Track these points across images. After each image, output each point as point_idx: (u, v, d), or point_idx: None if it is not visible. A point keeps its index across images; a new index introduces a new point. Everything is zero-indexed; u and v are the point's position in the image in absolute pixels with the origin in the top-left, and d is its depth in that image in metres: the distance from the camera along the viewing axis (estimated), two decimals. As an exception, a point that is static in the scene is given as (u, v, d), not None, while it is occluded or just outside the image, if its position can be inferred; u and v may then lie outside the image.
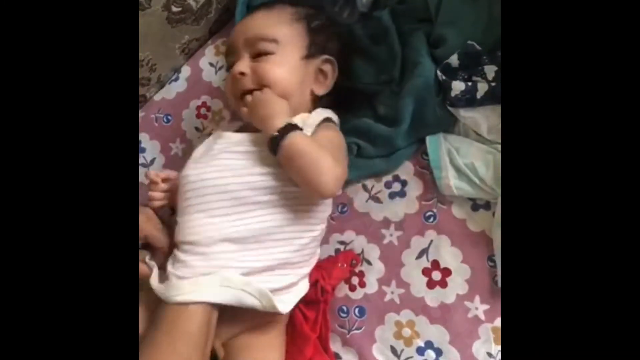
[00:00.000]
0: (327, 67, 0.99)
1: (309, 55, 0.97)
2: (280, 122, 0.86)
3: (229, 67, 0.99)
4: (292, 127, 0.86)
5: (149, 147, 1.17)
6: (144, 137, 1.18)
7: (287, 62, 0.96)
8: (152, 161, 1.16)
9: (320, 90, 0.99)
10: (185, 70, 1.20)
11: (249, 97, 0.93)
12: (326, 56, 0.99)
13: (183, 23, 1.12)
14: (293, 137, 0.85)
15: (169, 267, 0.87)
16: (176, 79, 1.20)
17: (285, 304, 0.88)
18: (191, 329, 0.81)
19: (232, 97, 0.97)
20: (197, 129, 1.15)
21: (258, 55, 0.95)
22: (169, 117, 1.18)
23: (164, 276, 0.87)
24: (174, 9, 1.07)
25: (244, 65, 0.94)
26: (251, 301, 0.84)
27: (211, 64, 1.19)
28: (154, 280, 0.88)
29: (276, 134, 0.85)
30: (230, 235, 0.86)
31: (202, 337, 0.82)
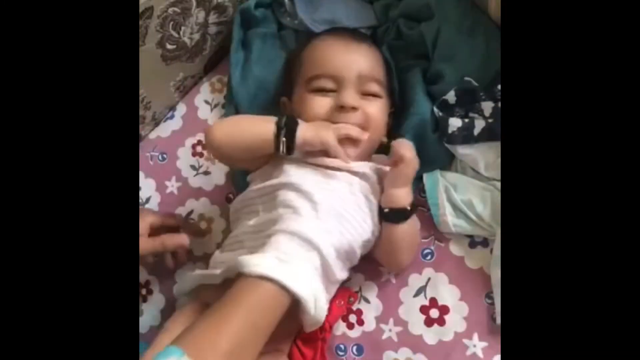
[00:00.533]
0: (389, 121, 1.01)
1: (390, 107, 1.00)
2: (407, 195, 0.91)
3: (318, 90, 0.95)
4: (415, 209, 0.92)
5: (145, 185, 1.16)
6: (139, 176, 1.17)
7: (386, 109, 0.99)
8: (148, 199, 1.15)
9: (381, 138, 0.99)
10: (181, 108, 1.20)
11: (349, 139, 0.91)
12: (393, 109, 1.02)
13: (178, 60, 1.12)
14: (410, 222, 0.90)
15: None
16: (171, 117, 1.20)
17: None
18: (267, 308, 0.75)
19: (321, 121, 0.93)
20: (192, 167, 1.15)
21: (364, 94, 0.95)
22: (165, 156, 1.17)
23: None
24: (169, 46, 1.07)
25: (355, 99, 0.93)
26: (310, 307, 0.78)
27: (206, 102, 1.19)
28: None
29: (400, 208, 0.90)
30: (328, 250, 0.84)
31: (272, 323, 0.75)
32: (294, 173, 0.90)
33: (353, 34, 1.02)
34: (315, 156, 0.91)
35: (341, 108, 0.92)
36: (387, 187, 0.91)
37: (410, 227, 0.91)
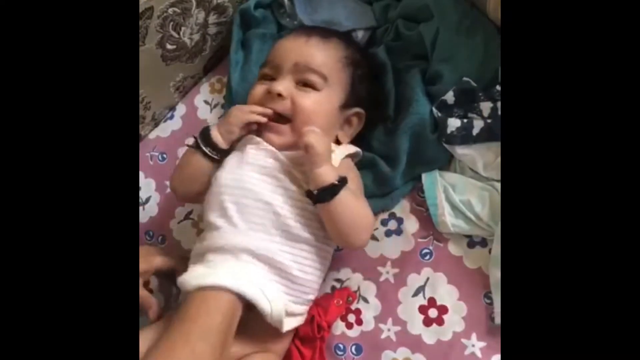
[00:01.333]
0: (355, 120, 1.00)
1: (346, 105, 0.98)
2: (330, 172, 0.87)
3: (262, 77, 0.99)
4: (343, 182, 0.87)
5: (144, 185, 1.16)
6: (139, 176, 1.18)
7: (327, 104, 0.96)
8: (148, 199, 1.15)
9: (344, 139, 0.99)
10: (180, 108, 1.21)
11: (276, 124, 0.94)
12: (359, 109, 1.00)
13: (177, 61, 1.12)
14: (344, 195, 0.87)
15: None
16: (171, 117, 1.21)
17: (289, 324, 0.89)
18: (213, 311, 0.80)
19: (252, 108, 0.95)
20: (192, 166, 1.15)
21: (302, 84, 0.95)
22: (164, 156, 1.17)
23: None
24: (169, 46, 1.07)
25: (284, 87, 0.94)
26: (264, 304, 0.84)
27: (206, 102, 1.19)
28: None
29: (327, 185, 0.86)
30: (259, 252, 0.87)
31: (225, 324, 0.81)
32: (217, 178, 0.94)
33: (323, 30, 1.03)
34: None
35: (268, 94, 0.94)
36: (308, 171, 0.88)
37: (346, 202, 0.87)
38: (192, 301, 0.82)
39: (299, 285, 0.90)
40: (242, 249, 0.87)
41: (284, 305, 0.87)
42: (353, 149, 0.99)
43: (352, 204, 0.88)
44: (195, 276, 0.85)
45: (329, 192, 0.86)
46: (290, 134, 0.94)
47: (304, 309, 0.93)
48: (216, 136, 0.94)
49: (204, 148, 0.94)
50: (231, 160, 0.95)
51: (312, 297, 0.95)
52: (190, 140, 0.97)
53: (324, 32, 1.02)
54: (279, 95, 0.93)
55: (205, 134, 0.95)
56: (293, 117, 0.94)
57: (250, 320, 0.87)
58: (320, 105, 0.95)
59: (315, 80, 0.95)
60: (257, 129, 0.96)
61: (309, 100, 0.94)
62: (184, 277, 0.86)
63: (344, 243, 0.94)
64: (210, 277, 0.83)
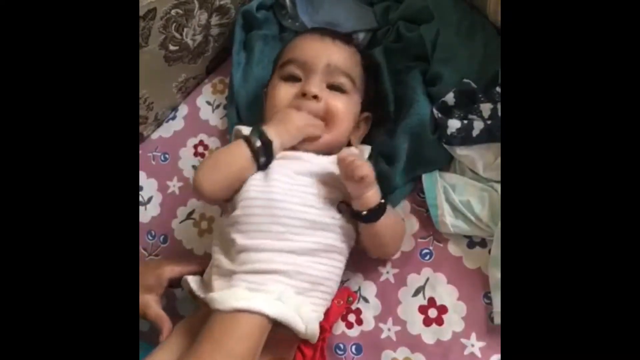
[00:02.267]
0: (363, 123, 1.01)
1: (362, 110, 1.00)
2: (376, 193, 0.88)
3: (288, 77, 0.97)
4: (386, 202, 0.91)
5: (146, 185, 1.17)
6: (141, 176, 1.18)
7: (353, 107, 0.98)
8: (149, 199, 1.16)
9: (355, 141, 1.00)
10: (183, 109, 1.21)
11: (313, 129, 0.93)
12: (368, 114, 1.01)
13: (180, 61, 1.13)
14: (387, 215, 0.90)
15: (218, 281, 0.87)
16: (173, 118, 1.21)
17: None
18: (244, 337, 0.79)
19: (284, 108, 0.94)
20: (194, 167, 1.15)
21: (332, 87, 0.95)
22: (166, 156, 1.18)
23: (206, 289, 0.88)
24: (171, 47, 1.08)
25: (319, 89, 0.94)
26: (299, 325, 0.83)
27: (208, 103, 1.20)
28: (199, 291, 0.88)
29: (375, 206, 0.88)
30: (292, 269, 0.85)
31: (253, 349, 0.80)
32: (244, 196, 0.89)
33: (333, 32, 1.03)
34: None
35: (303, 95, 0.93)
36: (356, 194, 0.88)
37: (388, 218, 0.90)
38: (223, 322, 0.80)
39: (327, 294, 0.91)
40: (274, 270, 0.85)
41: (318, 320, 0.88)
42: (367, 149, 1.01)
43: (393, 220, 0.93)
44: (229, 297, 0.82)
45: (376, 212, 0.88)
46: (324, 136, 0.94)
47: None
48: (277, 148, 0.90)
49: (262, 158, 0.89)
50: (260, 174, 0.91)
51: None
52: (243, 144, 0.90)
53: (341, 34, 1.04)
54: (315, 97, 0.93)
55: (266, 143, 0.89)
56: (326, 118, 0.94)
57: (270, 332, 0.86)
58: (349, 108, 0.96)
59: (345, 83, 0.96)
60: None
61: (340, 103, 0.95)
62: (217, 296, 0.83)
63: (383, 254, 0.98)
64: (246, 301, 0.81)
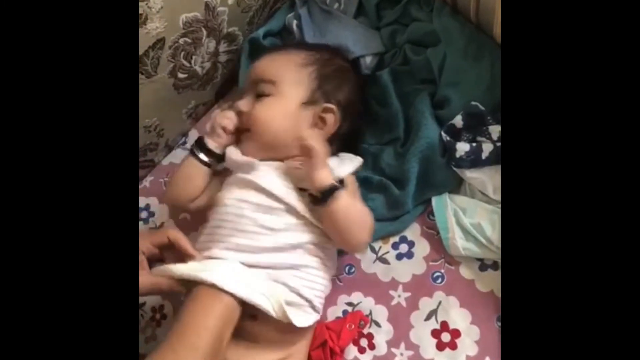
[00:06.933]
0: (329, 117, 0.98)
1: (311, 102, 0.98)
2: (329, 174, 0.90)
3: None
4: (342, 184, 0.91)
5: (158, 210, 1.18)
6: (152, 201, 1.19)
7: (282, 105, 0.97)
8: (162, 225, 1.16)
9: (322, 134, 0.97)
10: (193, 135, 1.22)
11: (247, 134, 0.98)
12: (328, 104, 0.99)
13: (189, 89, 1.14)
14: (343, 197, 0.89)
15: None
16: (184, 144, 1.22)
17: (299, 317, 0.89)
18: (203, 312, 0.82)
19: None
20: (205, 192, 1.16)
21: (258, 97, 0.98)
22: (177, 181, 1.19)
23: None
24: (180, 75, 1.09)
25: (244, 103, 0.99)
26: (261, 306, 0.85)
27: (218, 128, 1.21)
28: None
29: (326, 187, 0.89)
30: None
31: (212, 321, 0.81)
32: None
33: (285, 45, 1.10)
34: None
35: (238, 114, 1.00)
36: (309, 175, 0.90)
37: (346, 203, 0.90)
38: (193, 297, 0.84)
39: (299, 279, 0.91)
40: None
41: (282, 296, 0.88)
42: (358, 160, 1.01)
43: (352, 206, 0.91)
44: (189, 268, 0.87)
45: (332, 191, 0.89)
46: (254, 143, 0.98)
47: (312, 299, 0.93)
48: (209, 141, 1.00)
49: (198, 154, 1.00)
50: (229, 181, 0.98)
51: (319, 290, 0.95)
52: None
53: (283, 46, 1.09)
54: (239, 112, 0.99)
55: (199, 141, 1.01)
56: (250, 127, 0.98)
57: (264, 331, 0.89)
58: (272, 107, 0.97)
59: (264, 88, 0.98)
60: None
61: (262, 108, 0.97)
62: (182, 267, 0.88)
63: (345, 243, 0.96)
64: (205, 273, 0.85)
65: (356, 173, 1.01)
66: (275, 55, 1.03)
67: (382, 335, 0.98)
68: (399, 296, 0.99)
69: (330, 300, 1.00)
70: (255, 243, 0.90)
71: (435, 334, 0.95)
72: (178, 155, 1.22)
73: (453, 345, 0.93)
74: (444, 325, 0.95)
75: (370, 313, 0.99)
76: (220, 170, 1.03)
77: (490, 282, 0.94)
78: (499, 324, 0.91)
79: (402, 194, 1.00)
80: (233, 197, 0.94)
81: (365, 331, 0.99)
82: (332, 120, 0.99)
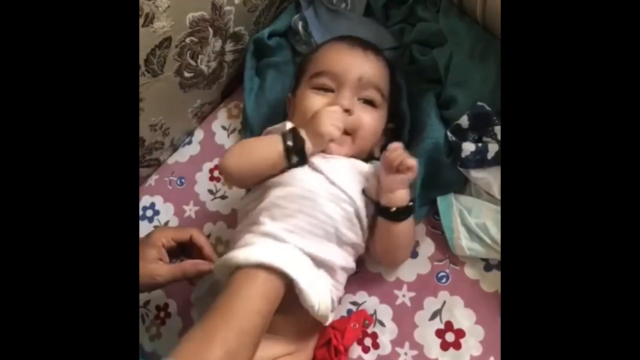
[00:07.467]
0: (385, 135, 1.01)
1: (387, 122, 1.01)
2: (407, 194, 0.91)
3: (318, 87, 0.97)
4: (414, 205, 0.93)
5: (163, 209, 1.18)
6: (157, 200, 1.19)
7: (381, 121, 0.99)
8: (166, 223, 1.17)
9: (377, 151, 1.00)
10: (198, 134, 1.23)
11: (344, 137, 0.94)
12: (392, 125, 1.02)
13: (195, 88, 1.14)
14: (412, 218, 0.93)
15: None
16: (189, 143, 1.23)
17: (331, 318, 0.90)
18: (253, 292, 0.79)
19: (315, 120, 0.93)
20: (210, 191, 1.16)
21: (362, 99, 0.96)
22: (183, 180, 1.19)
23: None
24: (186, 74, 1.09)
25: (351, 102, 0.94)
26: (309, 300, 0.83)
27: (224, 127, 1.21)
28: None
29: (404, 206, 0.91)
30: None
31: (264, 305, 0.80)
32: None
33: (363, 42, 1.03)
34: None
35: (335, 109, 0.93)
36: (390, 188, 0.90)
37: (410, 224, 0.93)
38: (241, 279, 0.81)
39: (336, 281, 0.92)
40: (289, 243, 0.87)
41: (330, 297, 0.89)
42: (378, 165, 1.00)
43: (412, 227, 0.95)
44: (245, 253, 0.84)
45: (404, 212, 0.91)
46: (350, 146, 0.96)
47: (335, 301, 0.94)
48: (309, 149, 0.92)
49: (294, 157, 0.91)
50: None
51: (341, 292, 0.96)
52: (277, 139, 0.92)
53: (371, 45, 1.03)
54: (346, 110, 0.94)
55: (298, 143, 0.91)
56: (354, 132, 0.95)
57: (282, 322, 0.87)
58: (377, 123, 0.98)
59: (375, 98, 0.97)
60: None
61: (370, 118, 0.96)
62: (237, 253, 0.84)
63: (392, 258, 0.99)
64: (265, 257, 0.82)
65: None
66: (376, 58, 1.00)
67: (387, 334, 0.98)
68: (404, 296, 0.99)
69: (335, 299, 1.00)
70: (316, 230, 0.89)
71: (440, 333, 0.95)
72: (183, 154, 1.22)
73: (457, 345, 0.93)
74: (449, 325, 0.95)
75: (375, 312, 1.00)
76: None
77: (495, 282, 0.94)
78: (504, 324, 0.92)
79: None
80: (302, 182, 0.90)
81: (369, 330, 0.99)
82: (386, 138, 1.01)
